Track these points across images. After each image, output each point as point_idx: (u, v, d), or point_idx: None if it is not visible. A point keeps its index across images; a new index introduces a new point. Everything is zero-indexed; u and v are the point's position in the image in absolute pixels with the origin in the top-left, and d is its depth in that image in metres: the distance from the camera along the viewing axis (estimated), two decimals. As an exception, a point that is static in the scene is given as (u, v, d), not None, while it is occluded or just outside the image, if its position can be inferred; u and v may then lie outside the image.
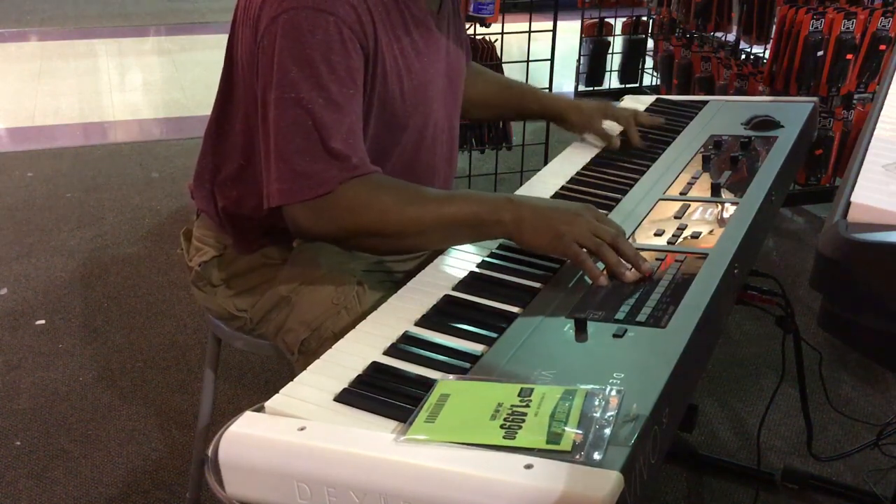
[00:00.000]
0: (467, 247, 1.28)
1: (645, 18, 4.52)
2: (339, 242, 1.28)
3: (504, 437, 0.82)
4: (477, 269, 1.21)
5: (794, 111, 1.80)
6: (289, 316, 1.37)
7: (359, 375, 0.97)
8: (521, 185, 1.53)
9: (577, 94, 4.54)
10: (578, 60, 4.52)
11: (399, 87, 1.30)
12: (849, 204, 0.99)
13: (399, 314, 1.10)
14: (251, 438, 0.87)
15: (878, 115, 1.35)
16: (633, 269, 1.14)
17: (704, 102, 1.93)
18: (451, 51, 1.45)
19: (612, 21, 4.53)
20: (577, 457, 0.79)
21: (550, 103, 1.74)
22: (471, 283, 1.18)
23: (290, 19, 1.17)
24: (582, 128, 1.72)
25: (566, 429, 0.82)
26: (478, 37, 3.04)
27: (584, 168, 1.59)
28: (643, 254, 1.19)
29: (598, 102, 1.75)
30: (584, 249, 1.15)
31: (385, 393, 0.93)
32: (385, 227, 1.21)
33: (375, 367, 0.99)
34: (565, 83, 4.64)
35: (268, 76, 1.20)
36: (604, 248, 1.14)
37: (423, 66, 1.35)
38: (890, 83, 1.52)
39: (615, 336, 1.00)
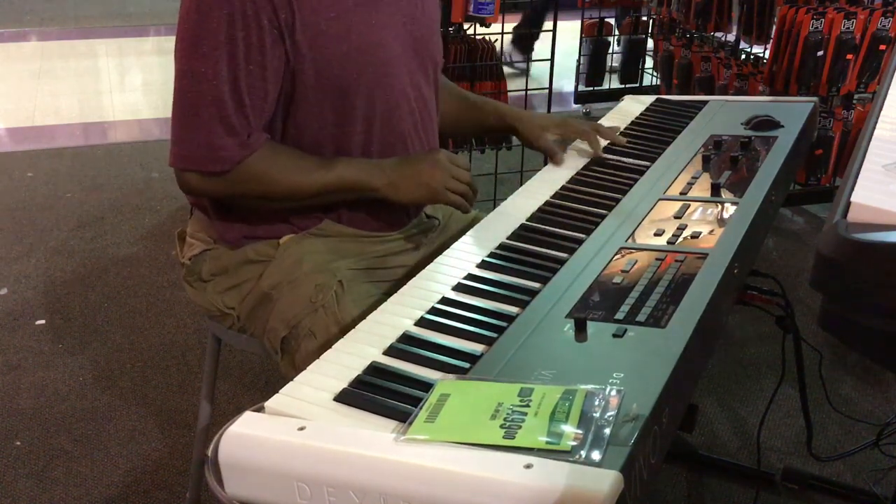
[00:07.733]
0: (467, 247, 1.29)
1: (645, 18, 4.52)
2: (228, 203, 1.41)
3: (504, 437, 0.82)
4: (476, 270, 1.21)
5: (794, 111, 1.80)
6: (271, 314, 1.37)
7: (358, 375, 0.97)
8: (521, 184, 1.53)
9: (577, 94, 4.53)
10: (578, 60, 4.52)
11: (339, 48, 1.33)
12: (849, 204, 0.99)
13: (399, 314, 1.10)
14: (251, 438, 0.87)
15: (878, 115, 1.34)
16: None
17: (704, 102, 1.93)
18: (416, 15, 1.45)
19: (611, 21, 4.53)
20: (577, 457, 0.79)
21: (506, 113, 1.68)
22: (470, 283, 1.18)
23: None
24: (529, 141, 1.64)
25: (566, 429, 0.83)
26: (478, 37, 3.04)
27: (583, 168, 1.59)
28: (643, 254, 1.20)
29: (557, 118, 1.68)
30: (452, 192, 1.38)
31: (385, 393, 0.93)
32: (273, 195, 1.35)
33: (375, 367, 0.99)
34: (565, 83, 4.64)
35: (178, 44, 1.29)
36: (469, 194, 1.40)
37: (372, 27, 1.36)
38: (890, 83, 1.52)
39: (615, 336, 1.00)
